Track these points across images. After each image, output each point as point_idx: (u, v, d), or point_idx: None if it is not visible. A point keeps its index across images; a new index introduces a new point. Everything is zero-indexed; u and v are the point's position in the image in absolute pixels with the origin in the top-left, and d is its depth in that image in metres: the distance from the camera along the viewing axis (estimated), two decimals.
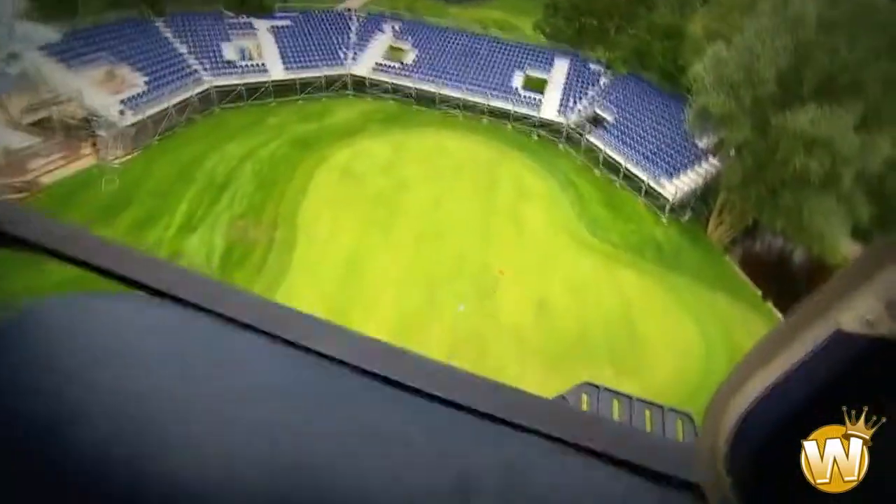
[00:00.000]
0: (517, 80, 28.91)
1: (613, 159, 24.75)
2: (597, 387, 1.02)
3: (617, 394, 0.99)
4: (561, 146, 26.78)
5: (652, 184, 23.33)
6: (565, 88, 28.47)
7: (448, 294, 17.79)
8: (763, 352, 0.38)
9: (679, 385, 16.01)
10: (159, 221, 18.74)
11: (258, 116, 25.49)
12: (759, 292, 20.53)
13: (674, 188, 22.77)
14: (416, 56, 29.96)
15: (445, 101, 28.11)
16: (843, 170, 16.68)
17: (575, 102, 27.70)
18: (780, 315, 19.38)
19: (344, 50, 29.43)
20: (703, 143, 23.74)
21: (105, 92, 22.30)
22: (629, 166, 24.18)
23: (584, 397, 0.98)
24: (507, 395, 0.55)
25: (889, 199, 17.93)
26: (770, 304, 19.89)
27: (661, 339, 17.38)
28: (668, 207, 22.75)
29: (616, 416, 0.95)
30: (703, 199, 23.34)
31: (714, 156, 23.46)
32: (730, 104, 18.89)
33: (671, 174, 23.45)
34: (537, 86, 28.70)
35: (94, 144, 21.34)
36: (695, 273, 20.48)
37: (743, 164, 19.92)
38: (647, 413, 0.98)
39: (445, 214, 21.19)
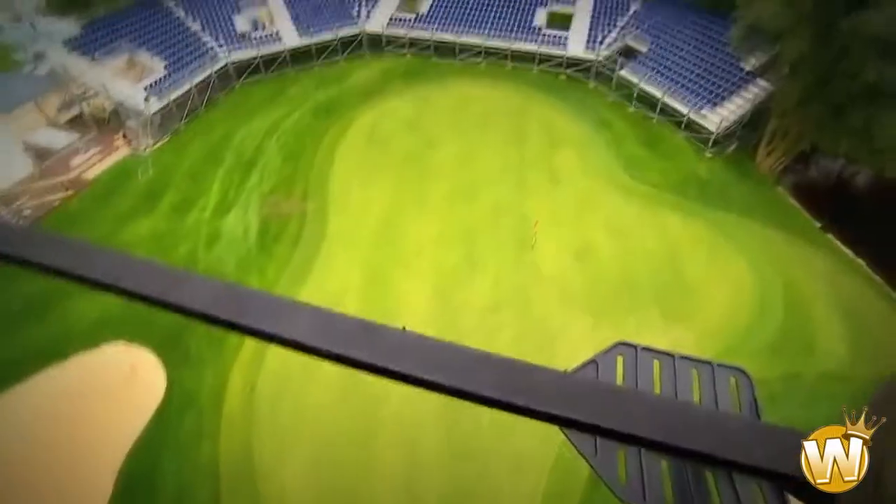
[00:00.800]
0: (540, 18, 27.06)
1: (649, 93, 23.09)
2: (633, 346, 0.88)
3: (657, 353, 0.86)
4: (591, 84, 25.21)
5: (693, 116, 21.71)
6: (592, 21, 26.44)
7: (487, 249, 17.55)
8: None
9: (731, 327, 15.42)
10: (196, 204, 19.19)
11: (278, 88, 25.22)
12: (818, 224, 19.11)
13: (718, 118, 21.11)
14: (431, 4, 28.44)
15: (465, 49, 26.77)
16: None
17: (604, 35, 25.74)
18: (843, 248, 18.07)
19: (356, 7, 28.28)
20: (750, 64, 21.62)
21: (129, 81, 22.53)
22: (667, 99, 22.54)
23: (620, 359, 0.86)
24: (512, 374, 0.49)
25: None
26: (831, 237, 18.53)
27: (711, 281, 16.63)
28: (711, 140, 21.20)
29: (656, 379, 0.83)
30: (751, 127, 21.53)
31: (763, 77, 21.36)
32: (786, 14, 16.81)
33: (714, 103, 21.71)
34: (562, 21, 26.78)
35: (124, 136, 21.83)
36: (744, 208, 19.26)
37: (801, 81, 17.96)
38: (694, 373, 0.84)
39: (477, 168, 20.64)
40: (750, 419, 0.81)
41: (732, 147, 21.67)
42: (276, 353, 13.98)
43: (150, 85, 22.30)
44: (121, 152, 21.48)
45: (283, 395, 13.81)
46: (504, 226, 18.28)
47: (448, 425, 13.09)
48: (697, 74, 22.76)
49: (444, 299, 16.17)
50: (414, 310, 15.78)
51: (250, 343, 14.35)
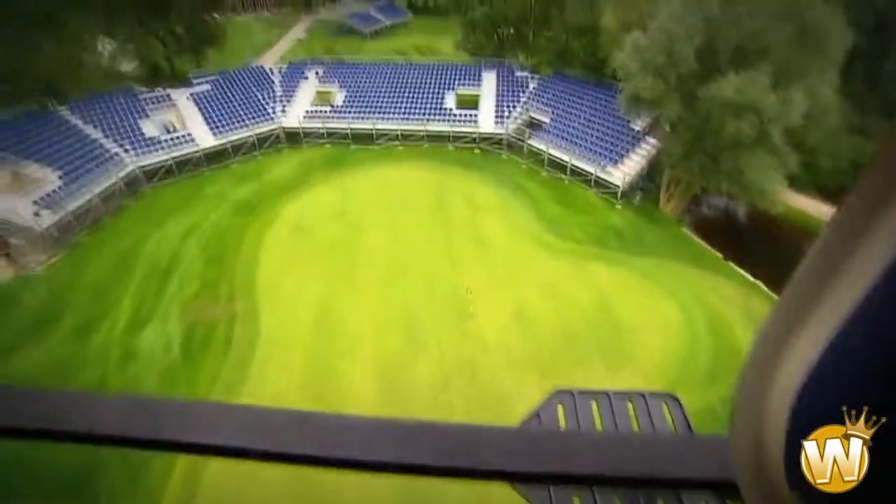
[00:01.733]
0: (450, 101, 29.23)
1: (558, 158, 25.23)
2: (571, 392, 0.96)
3: (593, 393, 0.94)
4: (504, 156, 27.10)
5: (599, 174, 23.85)
6: (498, 99, 29.02)
7: (427, 325, 17.28)
8: (791, 313, 0.34)
9: (670, 363, 16.08)
10: (102, 323, 17.26)
11: (193, 188, 24.42)
12: (720, 255, 21.18)
13: (621, 174, 23.35)
14: (345, 96, 29.84)
15: (383, 134, 27.99)
16: (771, 127, 17.65)
17: (509, 111, 28.23)
18: (742, 272, 20.03)
19: (271, 104, 28.94)
20: (638, 125, 24.58)
21: (13, 195, 20.63)
22: (574, 161, 24.69)
23: (560, 407, 0.93)
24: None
25: (811, 147, 19.20)
26: (732, 264, 20.55)
27: (643, 322, 17.46)
28: (619, 193, 23.27)
29: (597, 417, 0.90)
30: (650, 178, 24.04)
31: (651, 135, 24.31)
32: (658, 86, 19.73)
33: (615, 161, 24.09)
34: (470, 102, 29.13)
35: (7, 255, 19.64)
36: (658, 251, 20.90)
37: (681, 138, 20.75)
38: (630, 405, 0.92)
39: (406, 246, 20.79)
40: (684, 436, 0.86)
41: (638, 197, 23.89)
42: (213, 469, 12.41)
43: (42, 198, 20.62)
44: (2, 274, 19.17)
45: None
46: (440, 299, 18.25)
47: None
48: (597, 137, 25.36)
49: (392, 383, 15.46)
50: (362, 399, 14.88)
51: (183, 462, 12.64)
